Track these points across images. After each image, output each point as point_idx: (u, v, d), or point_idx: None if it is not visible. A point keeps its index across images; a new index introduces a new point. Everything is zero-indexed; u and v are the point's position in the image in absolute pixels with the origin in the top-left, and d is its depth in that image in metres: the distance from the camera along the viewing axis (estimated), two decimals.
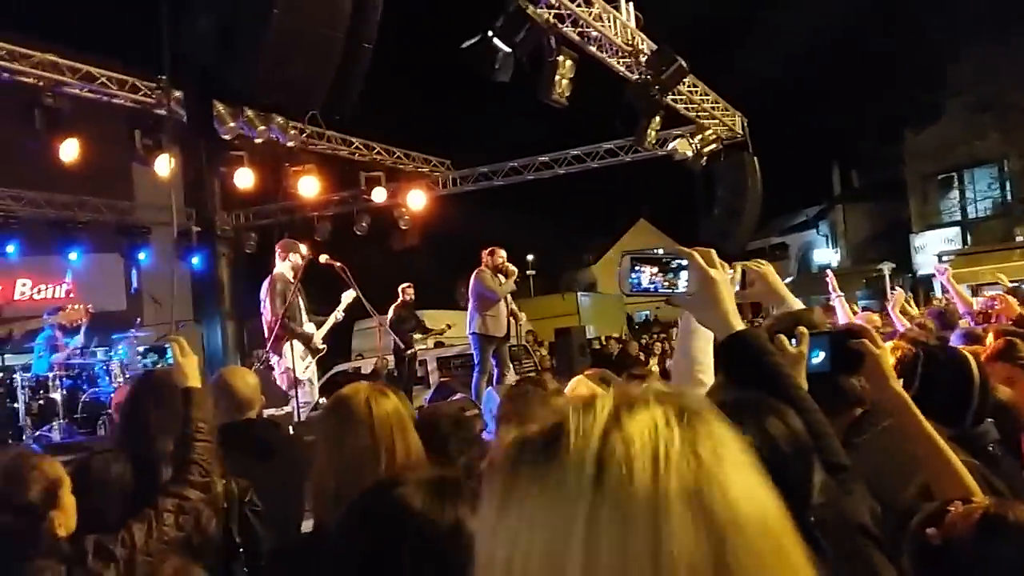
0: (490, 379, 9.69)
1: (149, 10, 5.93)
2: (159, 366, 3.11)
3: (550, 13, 9.84)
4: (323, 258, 8.57)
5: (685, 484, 0.72)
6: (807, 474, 1.24)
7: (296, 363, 8.02)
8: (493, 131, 21.81)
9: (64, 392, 9.27)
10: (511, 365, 10.51)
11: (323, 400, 8.00)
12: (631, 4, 11.41)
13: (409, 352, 11.49)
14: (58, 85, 11.03)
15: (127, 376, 9.66)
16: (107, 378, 9.62)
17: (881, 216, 33.38)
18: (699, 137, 14.21)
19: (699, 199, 15.84)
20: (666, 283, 1.79)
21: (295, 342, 8.07)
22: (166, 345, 3.02)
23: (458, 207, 18.94)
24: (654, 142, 13.08)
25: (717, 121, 14.46)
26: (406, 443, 2.24)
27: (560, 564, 0.71)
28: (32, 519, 2.14)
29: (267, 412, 5.78)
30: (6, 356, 9.62)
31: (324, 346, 8.78)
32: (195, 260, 13.57)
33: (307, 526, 3.03)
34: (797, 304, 2.57)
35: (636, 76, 11.56)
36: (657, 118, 12.09)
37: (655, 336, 20.48)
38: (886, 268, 25.99)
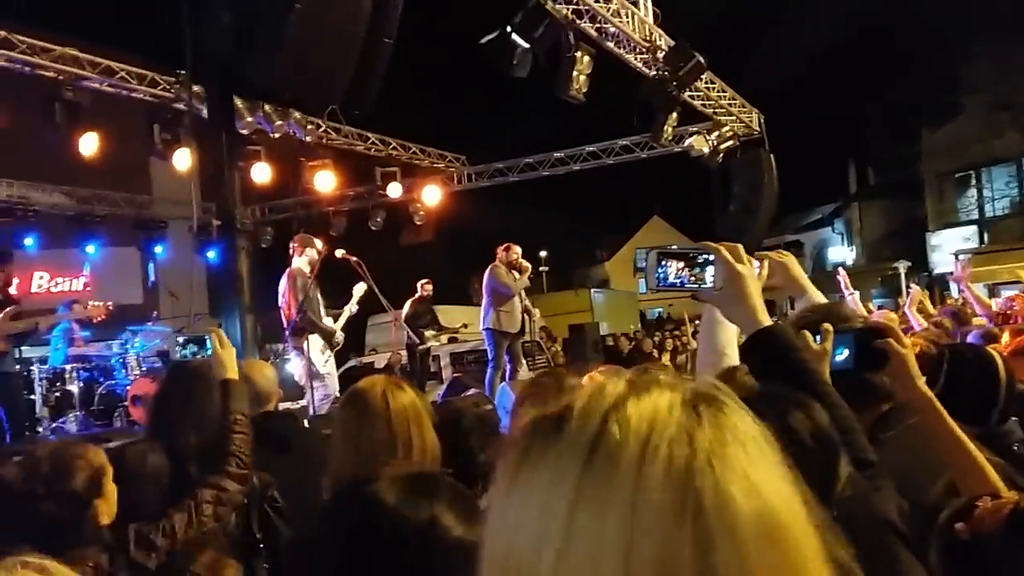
0: (503, 375, 9.70)
1: (170, 5, 5.97)
2: (198, 357, 3.11)
3: (568, 9, 9.83)
4: (339, 253, 8.59)
5: (673, 474, 0.68)
6: (831, 469, 1.23)
7: (316, 356, 8.06)
8: (508, 127, 21.80)
9: (81, 384, 9.33)
10: (524, 361, 10.50)
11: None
12: (649, 0, 11.38)
13: (422, 348, 11.50)
14: (78, 79, 11.12)
15: (143, 369, 9.73)
16: (123, 370, 9.68)
17: (897, 214, 33.17)
18: (716, 134, 14.17)
19: (715, 196, 15.79)
20: (692, 278, 1.79)
21: (314, 336, 8.11)
22: (205, 336, 3.03)
23: (473, 203, 18.96)
24: (670, 139, 13.05)
25: (734, 118, 14.41)
26: (422, 437, 2.24)
27: (540, 547, 0.69)
28: (77, 507, 2.15)
29: (282, 406, 5.81)
30: (23, 348, 9.69)
31: (341, 338, 8.82)
32: (211, 254, 13.65)
33: None
34: (819, 295, 2.56)
35: (653, 72, 11.53)
36: (674, 114, 12.07)
37: (666, 333, 20.44)
38: (902, 267, 25.83)
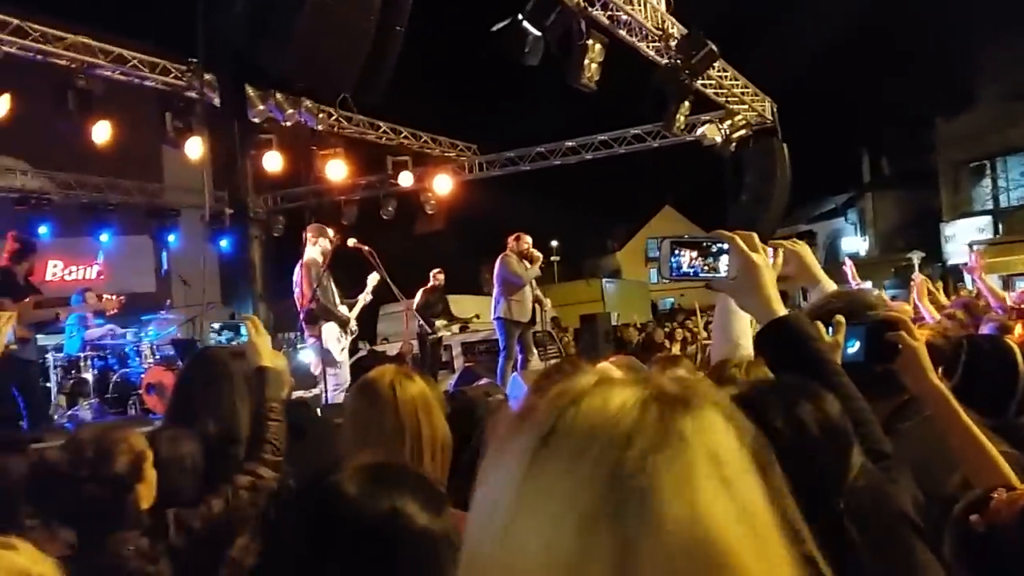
0: (515, 364, 9.69)
1: None
2: (234, 343, 3.13)
3: None
4: (351, 242, 8.59)
5: (600, 476, 0.67)
6: (841, 460, 1.22)
7: (332, 344, 8.09)
8: (520, 116, 21.75)
9: (95, 372, 9.40)
10: (536, 351, 10.50)
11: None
12: None
13: (433, 337, 11.51)
14: (91, 67, 11.15)
15: (157, 357, 9.79)
16: (137, 358, 9.75)
17: (911, 204, 32.96)
18: (728, 123, 14.10)
19: (727, 185, 15.72)
20: (706, 267, 1.77)
21: (330, 324, 8.14)
22: (240, 323, 3.05)
23: (484, 192, 18.95)
24: (682, 127, 13.00)
25: (747, 107, 14.33)
26: (432, 426, 2.24)
27: (491, 528, 0.70)
28: (119, 491, 2.17)
29: (295, 395, 5.83)
30: (38, 336, 9.77)
31: (356, 327, 8.85)
32: (224, 243, 13.70)
33: None
34: (832, 285, 2.55)
35: (666, 60, 11.47)
36: (686, 103, 12.02)
37: (676, 323, 20.40)
38: (915, 257, 25.67)
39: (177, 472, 2.49)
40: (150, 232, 16.80)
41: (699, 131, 14.05)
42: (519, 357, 9.85)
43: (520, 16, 8.75)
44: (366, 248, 8.60)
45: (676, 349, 14.46)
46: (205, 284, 10.43)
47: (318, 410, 6.74)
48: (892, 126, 33.25)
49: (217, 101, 10.87)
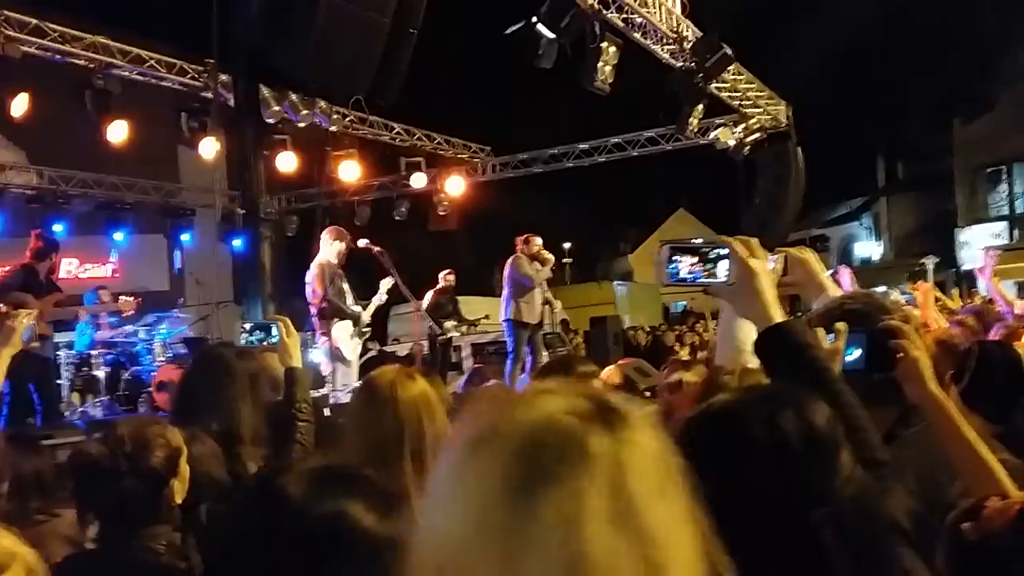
0: (523, 366, 9.71)
1: None
2: (264, 343, 3.19)
3: None
4: (362, 242, 8.64)
5: (503, 485, 0.70)
6: (822, 470, 1.22)
7: (345, 343, 8.15)
8: (534, 118, 21.74)
9: (107, 369, 9.47)
10: (545, 352, 10.52)
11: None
12: None
13: (443, 338, 11.53)
14: (108, 67, 11.25)
15: (168, 355, 9.85)
16: (149, 357, 9.80)
17: (926, 209, 32.74)
18: (742, 126, 14.06)
19: (740, 189, 15.68)
20: (705, 273, 1.78)
21: (344, 323, 8.20)
22: (272, 324, 3.09)
23: (498, 194, 18.95)
24: (696, 131, 12.97)
25: (761, 110, 14.29)
26: (434, 427, 2.25)
27: (426, 516, 0.77)
28: (155, 485, 2.19)
29: None
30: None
31: (369, 327, 8.90)
32: (237, 242, 13.77)
33: None
34: (837, 292, 2.55)
35: (680, 64, 11.46)
36: (700, 106, 11.99)
37: (687, 327, 20.35)
38: (929, 262, 25.46)
39: (207, 468, 2.52)
40: (165, 231, 16.92)
41: (712, 134, 14.02)
42: (528, 359, 9.86)
43: (534, 18, 8.75)
44: (377, 249, 8.64)
45: (685, 353, 14.43)
46: (217, 283, 10.49)
47: (326, 410, 6.79)
48: (908, 130, 33.04)
49: (232, 101, 10.95)
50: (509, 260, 9.68)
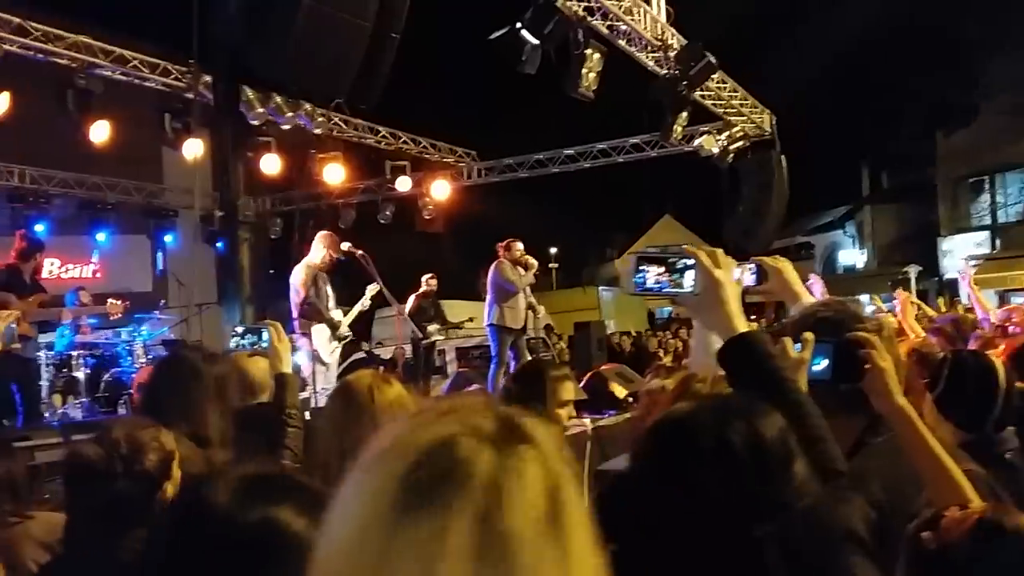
0: (507, 371, 9.70)
1: None
2: (256, 347, 3.20)
3: (580, 6, 9.82)
4: (345, 246, 8.63)
5: (378, 501, 0.73)
6: (770, 482, 1.22)
7: (322, 345, 8.13)
8: (520, 123, 21.78)
9: (87, 371, 9.38)
10: (529, 357, 10.52)
11: None
12: None
13: (426, 342, 11.51)
14: (91, 67, 11.19)
15: (149, 357, 9.78)
16: (130, 358, 9.74)
17: (909, 218, 32.98)
18: (726, 134, 14.13)
19: (724, 197, 15.74)
20: (671, 283, 1.79)
21: (321, 326, 8.20)
22: (263, 328, 3.08)
23: (484, 198, 18.97)
24: (680, 138, 13.02)
25: (745, 118, 14.36)
26: None
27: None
28: (150, 487, 2.19)
29: None
30: None
31: (350, 333, 8.88)
32: (221, 244, 13.71)
33: None
34: (812, 301, 2.56)
35: (665, 71, 11.50)
36: (684, 114, 12.02)
37: (670, 332, 20.40)
38: (912, 271, 25.69)
39: (191, 469, 2.50)
40: (148, 232, 16.84)
41: (697, 142, 14.07)
42: (512, 363, 9.86)
43: (518, 24, 8.76)
44: (360, 252, 8.63)
45: (668, 360, 14.48)
46: (196, 285, 10.44)
47: (307, 413, 6.76)
48: (892, 140, 33.28)
49: (213, 103, 10.92)
50: (492, 265, 9.68)
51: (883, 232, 34.59)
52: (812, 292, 5.08)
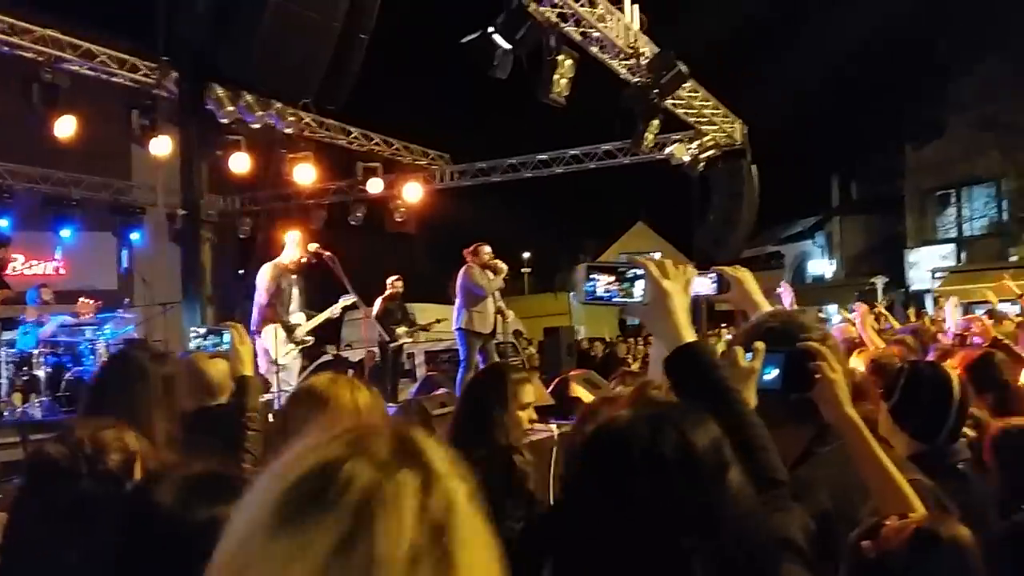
0: None
1: None
2: (219, 348, 3.18)
3: (553, 12, 9.84)
4: (312, 246, 8.58)
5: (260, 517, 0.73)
6: (700, 491, 1.22)
7: (277, 347, 8.07)
8: (493, 126, 21.80)
9: (48, 369, 9.25)
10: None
11: None
12: (635, 6, 11.41)
13: (394, 345, 11.46)
14: (58, 61, 11.03)
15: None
16: (92, 357, 9.60)
17: (877, 230, 33.43)
18: (697, 143, 14.24)
19: (694, 205, 15.86)
20: (621, 292, 1.80)
21: (275, 326, 8.15)
22: (224, 329, 3.05)
23: (457, 201, 18.94)
24: (652, 146, 13.09)
25: (716, 128, 14.47)
26: None
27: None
28: (114, 487, 2.15)
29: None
30: None
31: (311, 339, 8.81)
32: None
33: None
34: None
35: (636, 79, 11.56)
36: (655, 122, 12.08)
37: (640, 339, 20.49)
38: (879, 282, 26.03)
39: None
40: (114, 229, 16.62)
41: (668, 150, 14.16)
42: (481, 368, 9.85)
43: (491, 28, 8.76)
44: (327, 254, 8.58)
45: (637, 366, 14.53)
46: (162, 284, 10.33)
47: (269, 416, 6.70)
48: (862, 152, 33.70)
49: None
50: (461, 270, 9.67)
51: (851, 243, 35.02)
52: (782, 301, 5.16)
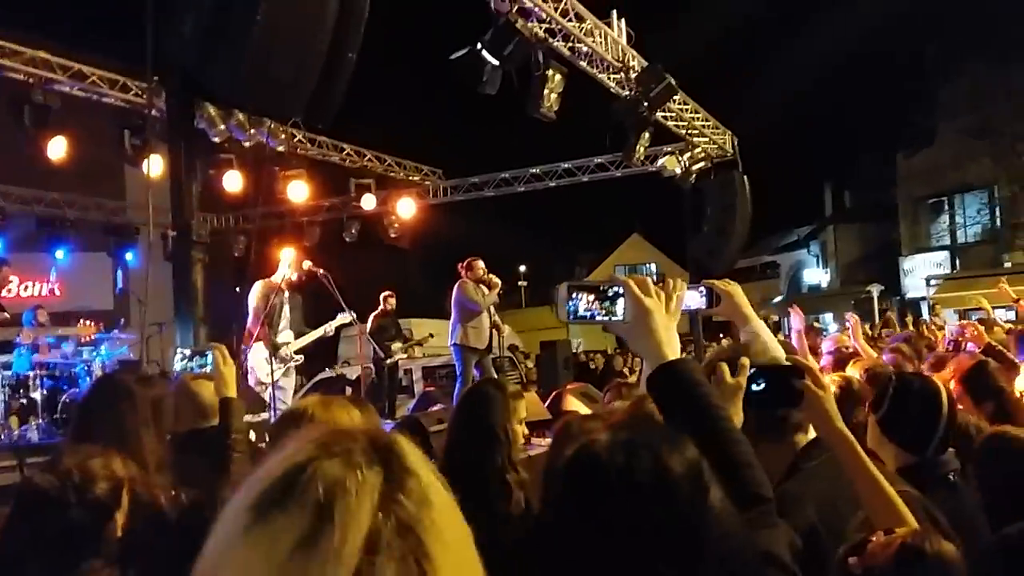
0: None
1: (141, 9, 5.94)
2: (205, 370, 3.20)
3: (540, 27, 9.87)
4: (306, 264, 8.58)
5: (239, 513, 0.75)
6: (676, 513, 1.21)
7: (262, 366, 8.06)
8: (486, 141, 21.87)
9: (44, 392, 9.21)
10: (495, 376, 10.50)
11: None
12: (623, 21, 11.46)
13: (390, 361, 11.44)
14: (49, 82, 11.05)
15: None
16: (88, 379, 9.55)
17: (871, 238, 33.54)
18: (688, 155, 14.28)
19: (687, 217, 15.88)
20: (603, 311, 1.80)
21: (260, 344, 8.16)
22: (208, 351, 3.05)
23: (452, 216, 18.98)
24: (643, 158, 13.12)
25: (707, 139, 14.52)
26: None
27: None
28: (101, 517, 2.15)
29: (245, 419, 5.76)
30: None
31: (300, 358, 8.79)
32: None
33: None
34: (761, 325, 2.59)
35: (626, 92, 11.60)
36: (646, 134, 12.12)
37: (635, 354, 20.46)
38: (874, 290, 26.11)
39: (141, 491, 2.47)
40: (108, 250, 16.60)
41: (659, 163, 14.20)
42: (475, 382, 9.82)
43: (479, 45, 8.78)
44: (321, 271, 8.58)
45: (633, 378, 14.49)
46: (157, 304, 10.28)
47: (267, 435, 6.67)
48: (855, 161, 33.87)
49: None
50: (455, 285, 9.66)
51: (846, 251, 35.12)
52: (791, 323, 5.18)
